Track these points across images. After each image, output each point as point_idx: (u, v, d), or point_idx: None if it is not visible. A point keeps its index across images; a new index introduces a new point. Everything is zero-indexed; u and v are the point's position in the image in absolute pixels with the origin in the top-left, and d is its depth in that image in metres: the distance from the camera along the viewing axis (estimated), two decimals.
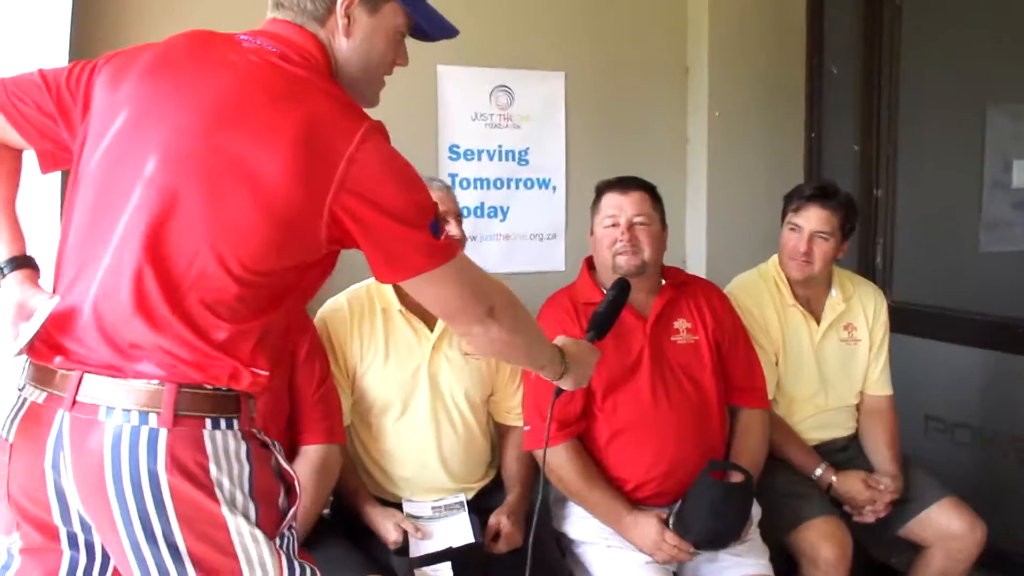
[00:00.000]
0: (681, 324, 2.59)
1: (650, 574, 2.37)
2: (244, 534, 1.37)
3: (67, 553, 1.43)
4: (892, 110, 3.56)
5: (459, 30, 1.62)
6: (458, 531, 2.39)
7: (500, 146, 3.42)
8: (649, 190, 2.58)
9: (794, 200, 2.85)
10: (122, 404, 1.34)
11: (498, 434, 2.65)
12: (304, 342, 2.36)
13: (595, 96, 3.50)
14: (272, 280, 1.41)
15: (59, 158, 1.57)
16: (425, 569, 2.26)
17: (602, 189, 2.63)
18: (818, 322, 2.87)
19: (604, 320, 2.14)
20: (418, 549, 2.31)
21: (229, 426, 1.40)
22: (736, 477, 2.44)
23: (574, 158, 3.48)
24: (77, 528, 1.41)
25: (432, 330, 2.48)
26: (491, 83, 3.36)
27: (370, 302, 2.50)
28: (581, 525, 2.52)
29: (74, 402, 1.36)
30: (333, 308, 2.51)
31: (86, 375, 1.36)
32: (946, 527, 2.67)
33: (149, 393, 1.34)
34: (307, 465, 2.28)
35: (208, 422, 1.37)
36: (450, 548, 2.30)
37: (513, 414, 2.61)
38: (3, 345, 1.47)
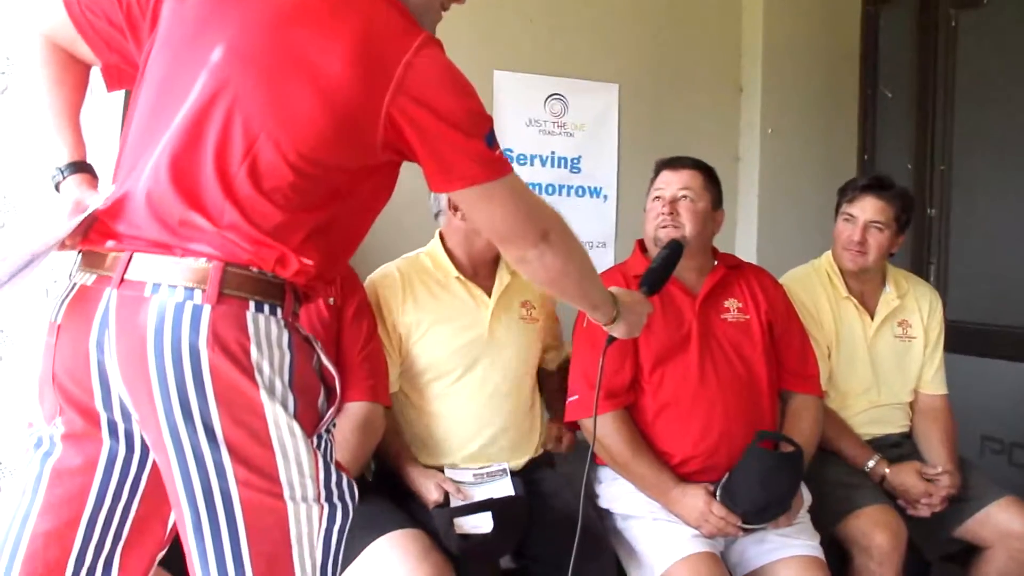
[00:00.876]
0: (732, 303, 2.57)
1: (696, 548, 2.30)
2: (281, 425, 1.36)
3: (107, 442, 1.44)
4: (946, 130, 3.58)
5: None
6: (500, 490, 2.39)
7: (553, 153, 3.47)
8: (703, 169, 2.59)
9: (848, 192, 2.85)
10: (168, 280, 1.35)
11: (541, 380, 2.67)
12: (352, 302, 2.37)
13: (648, 109, 3.57)
14: (327, 175, 1.43)
15: (124, 74, 1.59)
16: (465, 525, 2.25)
17: (658, 167, 2.66)
18: (872, 317, 2.85)
19: (656, 276, 2.14)
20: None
21: (272, 312, 1.40)
22: (786, 449, 2.40)
23: (625, 169, 3.52)
24: (118, 416, 1.42)
25: (490, 296, 2.51)
26: (546, 91, 3.42)
27: (424, 270, 2.52)
28: (627, 500, 2.48)
29: (122, 280, 1.37)
30: (383, 274, 2.53)
31: (135, 255, 1.38)
32: (1006, 525, 2.59)
33: (196, 270, 1.35)
34: (349, 421, 2.26)
35: (252, 304, 1.37)
36: (491, 499, 2.30)
37: (553, 354, 2.69)
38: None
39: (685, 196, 2.53)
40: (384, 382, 2.37)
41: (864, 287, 2.87)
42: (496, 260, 2.55)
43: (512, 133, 3.37)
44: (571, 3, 3.46)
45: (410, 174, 1.56)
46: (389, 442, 2.41)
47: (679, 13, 3.64)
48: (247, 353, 1.35)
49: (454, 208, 2.46)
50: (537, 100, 3.42)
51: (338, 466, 1.47)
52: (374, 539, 2.08)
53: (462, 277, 2.49)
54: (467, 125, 1.43)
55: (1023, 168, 3.37)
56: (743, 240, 3.67)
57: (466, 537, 2.22)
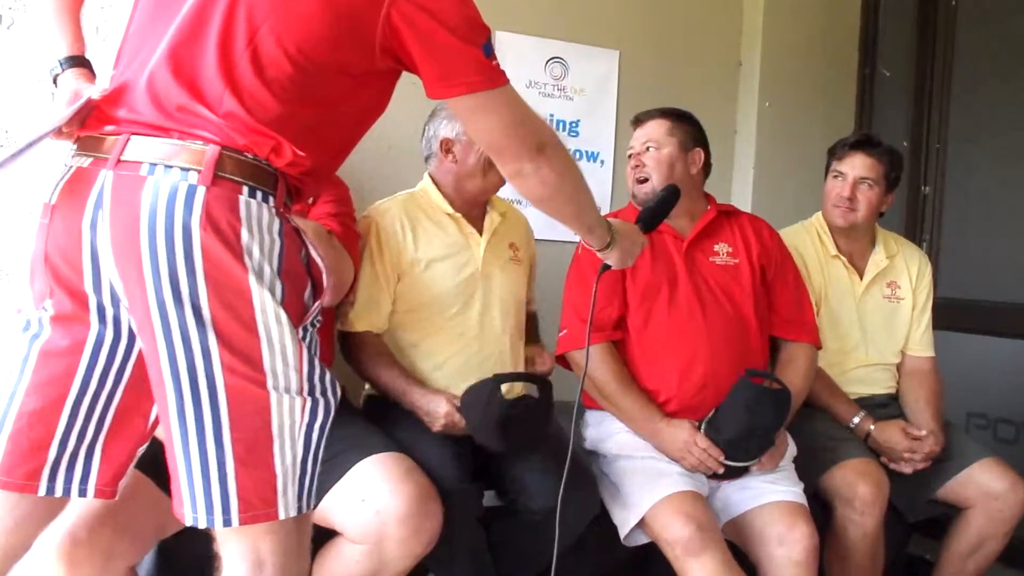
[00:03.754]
0: (722, 247, 2.60)
1: (680, 487, 2.32)
2: (268, 312, 1.37)
3: (95, 326, 1.45)
4: (943, 109, 3.64)
5: None
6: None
7: (552, 115, 3.45)
8: (669, 115, 2.61)
9: (838, 150, 2.88)
10: (165, 160, 1.37)
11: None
12: (329, 198, 2.36)
13: (647, 78, 3.56)
14: (326, 75, 1.45)
15: None
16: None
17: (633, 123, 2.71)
18: (861, 276, 2.88)
19: (651, 213, 2.17)
20: None
21: (265, 200, 1.41)
22: (775, 387, 2.41)
23: (623, 135, 3.43)
24: (107, 300, 1.43)
25: (482, 234, 2.53)
26: (548, 54, 3.42)
27: (419, 207, 2.53)
28: (613, 441, 2.51)
29: (119, 160, 1.38)
30: (381, 207, 2.54)
31: (133, 136, 1.40)
32: (987, 485, 2.63)
33: (192, 151, 1.37)
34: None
35: (245, 189, 1.39)
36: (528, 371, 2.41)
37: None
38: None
39: (648, 147, 2.57)
40: (355, 244, 2.36)
41: (853, 247, 2.90)
42: (486, 203, 2.58)
43: None
44: None
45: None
46: (383, 369, 2.41)
47: None
48: (238, 235, 1.36)
49: (446, 150, 2.48)
50: (538, 62, 3.42)
51: (321, 360, 1.48)
52: (359, 460, 2.10)
53: (453, 213, 2.51)
54: (465, 31, 1.44)
55: (1017, 149, 3.43)
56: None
57: (514, 404, 2.24)
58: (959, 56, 3.62)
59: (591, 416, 2.60)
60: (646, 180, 2.55)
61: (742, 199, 3.71)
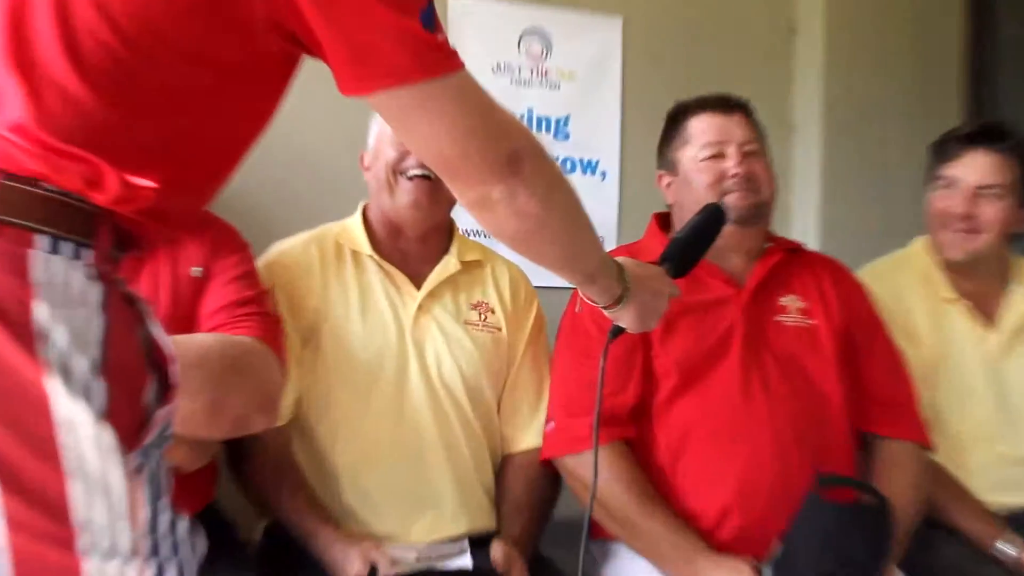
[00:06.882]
0: (791, 301, 2.43)
1: None
2: (80, 430, 1.19)
3: None
4: None
5: None
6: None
7: (530, 111, 3.26)
8: (750, 112, 2.51)
9: (947, 148, 2.67)
10: None
11: (501, 465, 2.50)
12: (229, 264, 2.23)
13: (663, 54, 3.38)
14: (181, 61, 1.28)
15: None
16: None
17: (685, 111, 2.51)
18: (994, 327, 2.64)
19: (686, 248, 1.95)
20: None
21: (76, 255, 1.25)
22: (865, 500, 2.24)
23: (632, 136, 3.30)
24: None
25: (419, 286, 2.38)
26: (521, 24, 3.25)
27: (335, 246, 2.42)
28: (629, 569, 2.33)
29: None
30: (281, 251, 2.41)
31: None
32: None
33: None
34: (208, 350, 2.01)
35: (41, 240, 1.23)
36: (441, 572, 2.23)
37: (526, 432, 2.46)
38: None
39: (752, 151, 2.41)
40: (279, 340, 2.20)
41: (979, 285, 2.67)
42: (439, 241, 2.44)
43: None
44: None
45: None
46: (285, 495, 2.27)
47: None
48: (26, 311, 1.19)
49: (361, 159, 2.44)
50: (509, 37, 3.24)
51: (173, 502, 1.31)
52: None
53: (377, 257, 2.37)
54: None
55: None
56: (800, 232, 3.41)
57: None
58: None
59: (597, 549, 2.42)
60: (753, 194, 2.40)
61: (804, 212, 3.52)
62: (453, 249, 2.45)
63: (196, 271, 2.17)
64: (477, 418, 2.41)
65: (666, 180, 2.50)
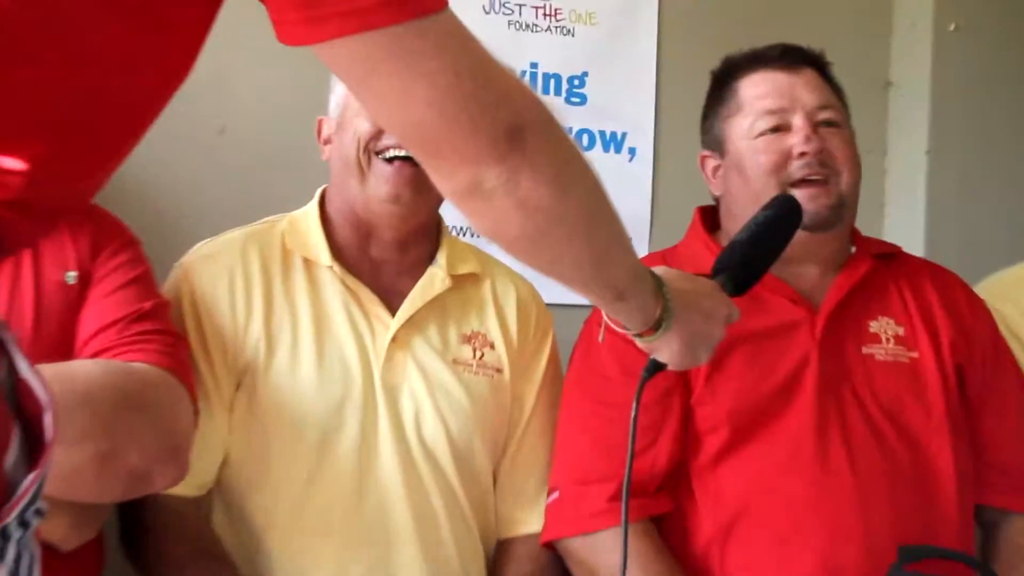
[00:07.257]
0: (884, 326, 2.21)
1: None
2: None
3: None
4: None
5: None
6: None
7: (534, 65, 2.91)
8: (822, 66, 2.29)
9: None
10: None
11: (496, 555, 2.29)
12: (111, 264, 2.03)
13: None
14: (57, 8, 1.09)
15: None
16: None
17: (735, 68, 2.29)
18: None
19: (747, 254, 1.82)
20: None
21: None
22: None
23: (671, 100, 2.98)
24: None
25: (394, 310, 2.13)
26: None
27: (282, 251, 2.16)
28: None
29: None
30: (204, 254, 2.15)
31: None
32: None
33: None
34: (94, 383, 1.81)
35: None
36: None
37: (532, 511, 2.22)
38: None
39: (827, 119, 2.19)
40: (187, 366, 2.01)
41: None
42: (425, 245, 2.21)
43: None
44: None
45: None
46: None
47: None
48: None
49: (319, 133, 2.23)
50: None
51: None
52: None
53: (339, 268, 2.11)
54: None
55: None
56: (899, 228, 3.13)
57: None
58: None
59: None
60: (824, 182, 2.17)
61: (905, 202, 3.17)
62: (441, 258, 2.16)
63: (70, 276, 1.94)
64: (466, 493, 2.15)
65: (711, 163, 2.23)
